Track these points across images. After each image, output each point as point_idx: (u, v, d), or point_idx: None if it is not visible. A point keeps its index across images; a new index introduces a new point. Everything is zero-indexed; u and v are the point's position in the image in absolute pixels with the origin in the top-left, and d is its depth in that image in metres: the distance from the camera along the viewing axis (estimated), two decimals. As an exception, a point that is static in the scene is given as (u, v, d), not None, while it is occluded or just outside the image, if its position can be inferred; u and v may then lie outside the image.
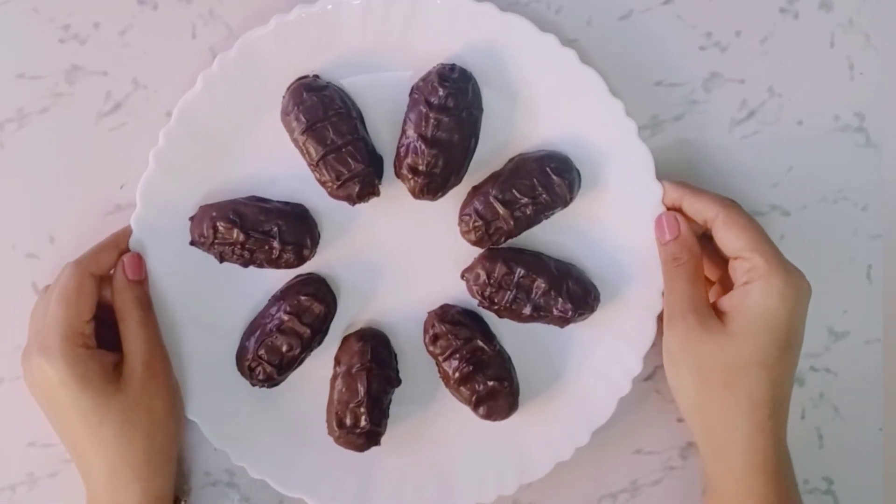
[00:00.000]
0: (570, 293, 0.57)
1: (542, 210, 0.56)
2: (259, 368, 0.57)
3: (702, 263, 0.56)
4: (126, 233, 0.57)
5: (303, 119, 0.54)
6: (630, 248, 0.58)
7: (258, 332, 0.57)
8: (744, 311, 0.53)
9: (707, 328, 0.54)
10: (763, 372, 0.53)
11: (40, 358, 0.53)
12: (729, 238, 0.54)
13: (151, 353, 0.55)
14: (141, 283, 0.57)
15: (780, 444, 0.55)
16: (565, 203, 0.56)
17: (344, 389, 0.57)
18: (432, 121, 0.54)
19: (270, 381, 0.58)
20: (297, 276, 0.59)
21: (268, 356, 0.57)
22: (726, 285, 0.57)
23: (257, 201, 0.57)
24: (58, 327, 0.53)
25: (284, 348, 0.57)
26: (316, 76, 0.56)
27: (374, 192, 0.56)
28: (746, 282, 0.53)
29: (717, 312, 0.55)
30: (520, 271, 0.57)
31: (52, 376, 0.53)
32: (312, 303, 0.57)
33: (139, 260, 0.56)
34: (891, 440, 0.58)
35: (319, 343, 0.58)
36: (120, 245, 0.57)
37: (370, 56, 0.57)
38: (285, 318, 0.57)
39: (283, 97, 0.56)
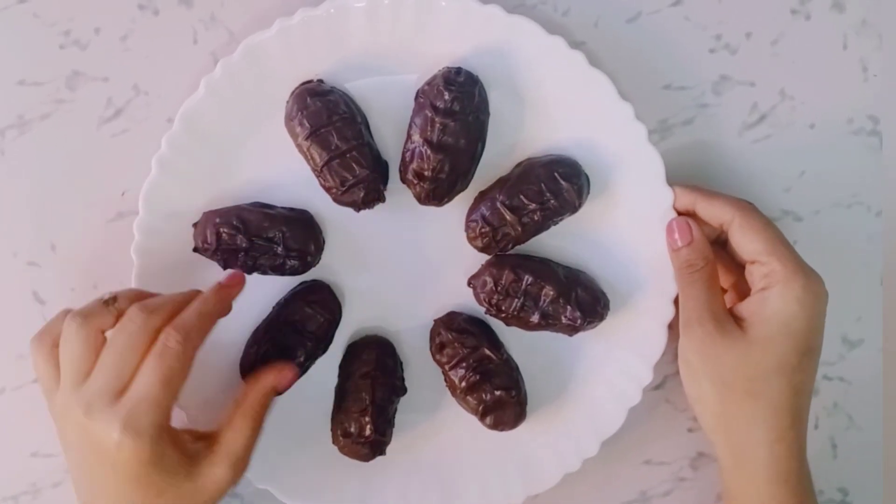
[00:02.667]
0: (579, 301, 0.56)
1: (551, 216, 0.55)
2: (263, 377, 0.56)
3: (716, 269, 0.55)
4: (222, 294, 0.54)
5: (307, 124, 0.54)
6: (640, 254, 0.57)
7: (262, 340, 0.57)
8: (763, 317, 0.52)
9: (726, 335, 0.53)
10: (784, 379, 0.52)
11: (125, 435, 0.48)
12: (745, 242, 0.54)
13: (245, 460, 0.53)
14: (268, 394, 0.55)
15: (802, 454, 0.54)
16: (574, 209, 0.56)
17: (349, 398, 0.57)
18: (438, 125, 0.53)
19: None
20: (302, 283, 0.58)
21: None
22: (740, 292, 0.56)
23: (261, 207, 0.56)
24: (157, 411, 0.49)
25: (290, 356, 0.56)
26: (320, 80, 0.56)
27: (379, 197, 0.55)
28: (764, 287, 0.53)
29: (735, 319, 0.54)
30: (527, 278, 0.56)
31: (129, 456, 0.49)
32: (317, 310, 0.56)
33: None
34: (891, 447, 0.57)
35: (324, 351, 0.58)
36: (222, 312, 0.54)
37: (375, 60, 0.56)
38: (289, 325, 0.56)
39: (287, 102, 0.55)
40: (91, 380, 0.50)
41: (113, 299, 0.52)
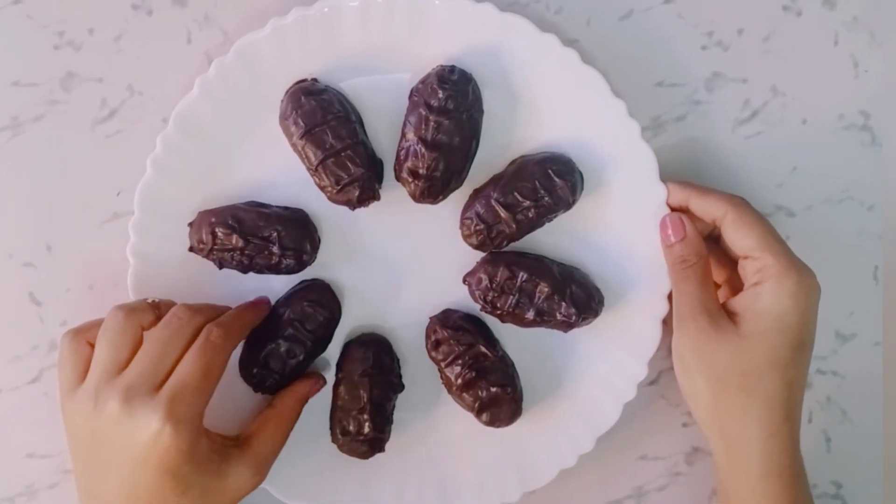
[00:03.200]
0: (574, 297, 0.56)
1: (545, 213, 0.55)
2: (263, 375, 0.56)
3: (709, 264, 0.55)
4: (258, 307, 0.57)
5: (301, 123, 0.54)
6: (634, 250, 0.58)
7: (262, 339, 0.57)
8: (756, 312, 0.53)
9: (719, 330, 0.53)
10: (777, 374, 0.53)
11: (166, 423, 0.48)
12: (738, 237, 0.54)
13: (270, 465, 0.54)
14: (302, 400, 0.57)
15: (795, 448, 0.54)
16: (568, 206, 0.56)
17: (347, 396, 0.57)
18: (432, 123, 0.53)
19: (274, 388, 0.57)
20: (302, 282, 0.58)
21: (272, 363, 0.56)
22: (733, 287, 0.57)
23: (256, 206, 0.56)
24: (198, 399, 0.50)
25: (288, 355, 0.56)
26: (314, 80, 0.56)
27: (374, 196, 0.55)
28: (757, 282, 0.53)
29: (728, 314, 0.54)
30: (522, 275, 0.56)
31: (166, 445, 0.48)
32: (316, 309, 0.56)
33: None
34: (891, 443, 0.58)
35: (323, 349, 0.58)
36: (254, 323, 0.56)
37: (369, 58, 0.56)
38: (289, 324, 0.56)
39: (282, 101, 0.55)
40: (130, 369, 0.50)
41: (156, 303, 0.53)
